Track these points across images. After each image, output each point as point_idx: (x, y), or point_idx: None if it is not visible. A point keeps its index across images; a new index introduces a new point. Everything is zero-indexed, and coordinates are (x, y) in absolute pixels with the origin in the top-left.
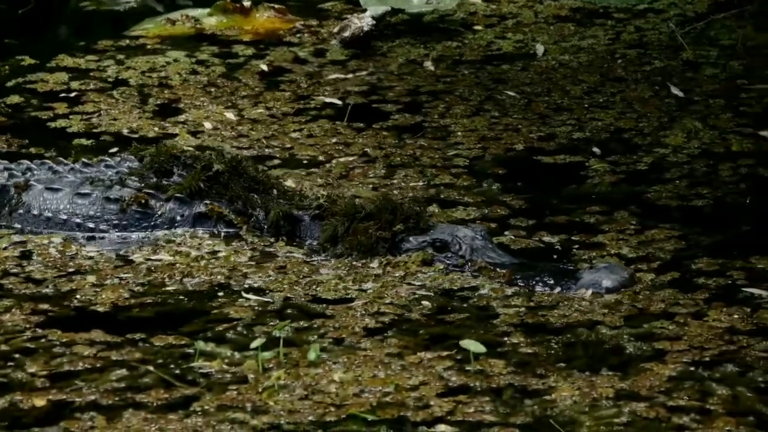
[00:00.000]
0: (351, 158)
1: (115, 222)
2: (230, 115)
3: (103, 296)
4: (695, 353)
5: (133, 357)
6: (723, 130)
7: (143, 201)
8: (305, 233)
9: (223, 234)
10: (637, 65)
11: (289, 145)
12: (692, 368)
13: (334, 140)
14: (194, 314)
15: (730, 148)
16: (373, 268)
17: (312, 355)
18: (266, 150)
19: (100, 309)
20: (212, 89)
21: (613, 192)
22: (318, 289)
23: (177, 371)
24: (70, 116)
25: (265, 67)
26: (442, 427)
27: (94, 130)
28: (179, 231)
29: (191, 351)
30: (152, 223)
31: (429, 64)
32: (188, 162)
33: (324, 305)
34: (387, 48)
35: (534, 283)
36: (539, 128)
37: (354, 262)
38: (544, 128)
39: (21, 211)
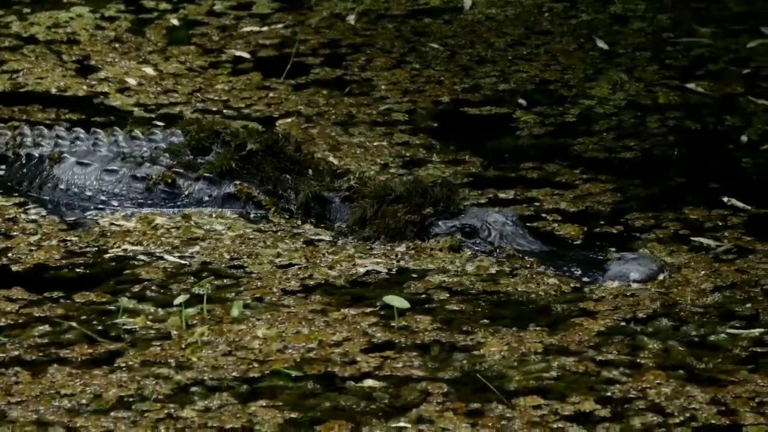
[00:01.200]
0: (289, 118)
1: (140, 201)
2: (149, 71)
3: (34, 256)
4: (627, 310)
5: (56, 313)
6: (649, 82)
7: (170, 180)
8: (335, 215)
9: (252, 215)
10: (564, 18)
11: (225, 98)
12: (623, 323)
13: (269, 95)
14: (115, 274)
15: (657, 100)
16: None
17: (235, 312)
18: (199, 105)
19: (22, 268)
20: (117, 45)
21: (541, 144)
22: (262, 258)
23: (100, 327)
24: None
25: (176, 22)
26: (369, 381)
27: (21, 90)
28: (206, 210)
29: (113, 308)
30: (178, 203)
31: (351, 18)
32: (228, 139)
33: (252, 268)
34: (315, 2)
35: (562, 272)
36: (462, 80)
37: (382, 246)
38: (468, 80)
39: (50, 184)
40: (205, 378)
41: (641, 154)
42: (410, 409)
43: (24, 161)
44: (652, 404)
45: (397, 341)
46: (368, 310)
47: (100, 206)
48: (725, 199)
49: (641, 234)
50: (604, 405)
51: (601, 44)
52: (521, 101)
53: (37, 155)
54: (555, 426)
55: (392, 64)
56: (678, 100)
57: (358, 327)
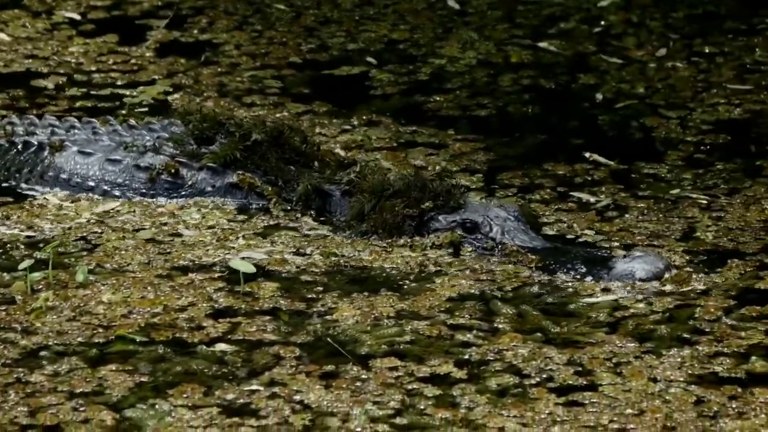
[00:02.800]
0: (178, 93)
1: (143, 191)
2: (3, 36)
3: None
4: (486, 280)
5: None
6: (500, 41)
7: (173, 170)
8: (335, 208)
9: (254, 206)
10: None
11: (93, 69)
12: (473, 291)
13: (130, 60)
14: None
15: (510, 59)
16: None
17: (80, 277)
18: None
19: None
20: None
21: (396, 104)
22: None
23: None
24: None
25: None
26: (222, 345)
27: None
28: (207, 201)
29: None
30: (182, 193)
31: None
32: (232, 129)
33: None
34: None
35: (565, 270)
36: (307, 40)
37: (379, 242)
38: (313, 40)
39: (51, 173)
40: (50, 343)
41: (496, 112)
42: (262, 373)
43: (21, 149)
44: (510, 366)
45: (239, 307)
46: (216, 275)
47: (103, 196)
48: (587, 154)
49: (526, 194)
50: (460, 367)
51: (451, 3)
52: (371, 59)
53: (36, 143)
54: (410, 387)
55: (234, 26)
56: (531, 59)
57: (204, 292)
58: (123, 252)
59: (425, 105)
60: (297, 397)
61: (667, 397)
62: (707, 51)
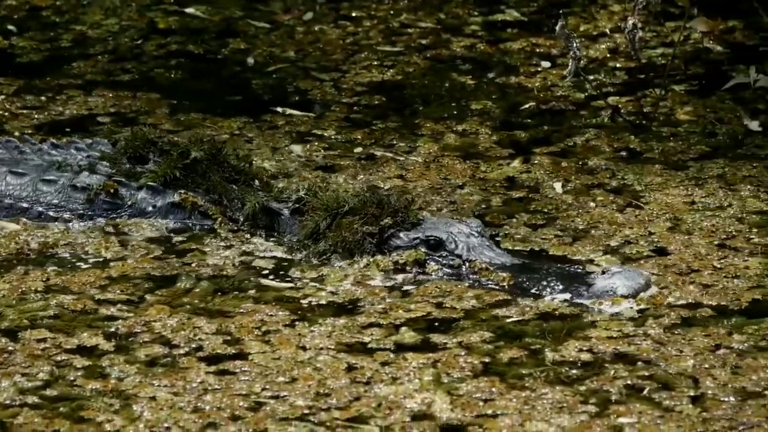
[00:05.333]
0: None
1: (81, 212)
2: None
3: None
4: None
5: None
6: (144, 6)
7: (112, 190)
8: (284, 228)
9: (198, 227)
10: None
11: None
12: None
13: None
14: None
15: (156, 25)
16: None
17: None
18: None
19: None
20: None
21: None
22: None
23: None
24: None
25: None
26: None
27: None
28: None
29: None
30: (121, 214)
31: None
32: (166, 148)
33: None
34: None
35: (540, 288)
36: None
37: (338, 262)
38: None
39: None
40: None
41: (138, 76)
42: None
43: None
44: (159, 336)
45: None
46: None
47: (38, 218)
48: (279, 109)
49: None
50: (108, 339)
51: None
52: (11, 28)
53: None
54: (59, 359)
55: None
56: (178, 25)
57: None
58: None
59: (70, 71)
60: None
61: (318, 365)
62: (354, 15)
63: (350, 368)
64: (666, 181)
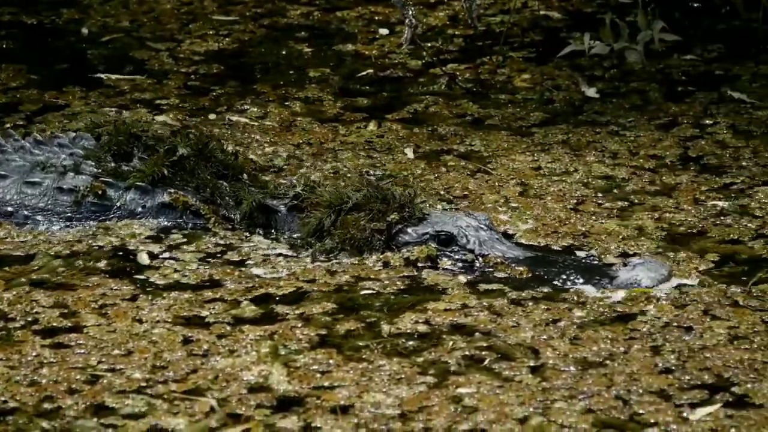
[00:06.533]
0: None
1: (68, 215)
2: None
3: None
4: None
5: None
6: None
7: (100, 192)
8: (282, 225)
9: (190, 225)
10: None
11: None
12: None
13: None
14: None
15: None
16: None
17: None
18: None
19: None
20: None
21: None
22: None
23: None
24: None
25: None
26: None
27: None
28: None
29: None
30: (110, 216)
31: None
32: (150, 143)
33: None
34: None
35: (561, 281)
36: None
37: (347, 259)
38: None
39: None
40: None
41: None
42: None
43: None
44: None
45: None
46: None
47: (24, 222)
48: (104, 76)
49: None
50: None
51: None
52: None
53: None
54: None
55: None
56: None
57: None
58: None
59: None
60: None
61: (154, 338)
62: None
63: (186, 341)
64: (512, 146)
